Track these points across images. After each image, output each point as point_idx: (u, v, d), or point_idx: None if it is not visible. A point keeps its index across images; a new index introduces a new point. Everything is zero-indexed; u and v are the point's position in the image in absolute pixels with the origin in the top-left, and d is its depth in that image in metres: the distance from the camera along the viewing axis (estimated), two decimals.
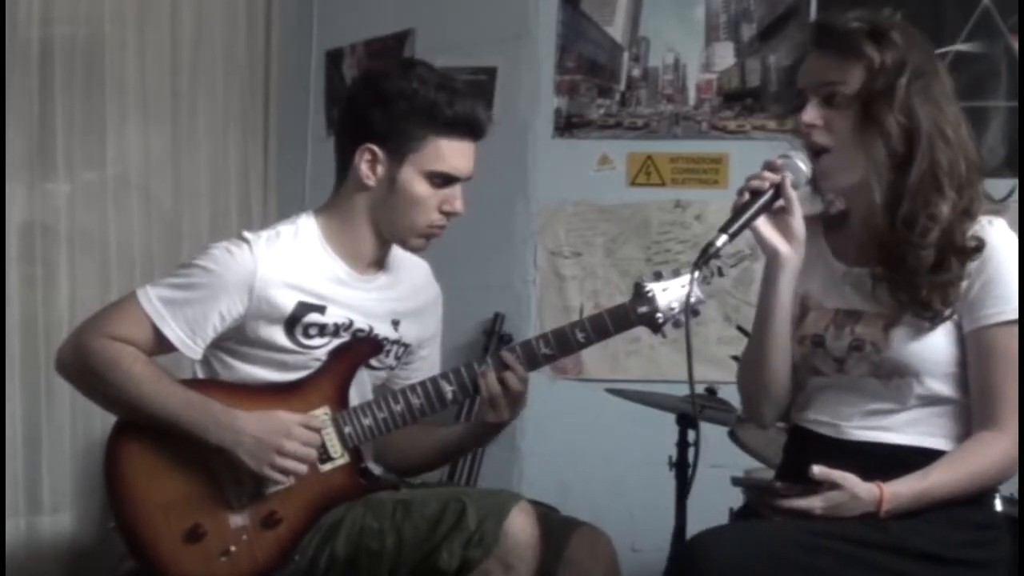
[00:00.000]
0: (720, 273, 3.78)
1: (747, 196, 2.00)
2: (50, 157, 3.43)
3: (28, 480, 3.35)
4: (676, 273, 2.39)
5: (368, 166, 2.36)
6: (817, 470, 1.90)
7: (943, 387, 2.00)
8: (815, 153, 2.03)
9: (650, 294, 2.37)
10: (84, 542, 3.42)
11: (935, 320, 1.96)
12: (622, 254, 3.89)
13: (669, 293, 2.37)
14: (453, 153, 2.35)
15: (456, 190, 2.38)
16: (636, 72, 3.93)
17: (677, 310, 2.37)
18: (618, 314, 2.36)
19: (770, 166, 2.02)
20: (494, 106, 3.90)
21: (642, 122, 3.92)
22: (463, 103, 2.35)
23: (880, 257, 2.00)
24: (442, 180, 2.35)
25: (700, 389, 3.16)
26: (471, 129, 2.37)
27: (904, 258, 1.96)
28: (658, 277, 2.39)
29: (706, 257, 1.95)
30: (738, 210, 2.00)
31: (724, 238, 1.95)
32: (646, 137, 3.92)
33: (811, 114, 2.02)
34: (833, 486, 1.89)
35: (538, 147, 3.93)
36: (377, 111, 2.35)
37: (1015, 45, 3.61)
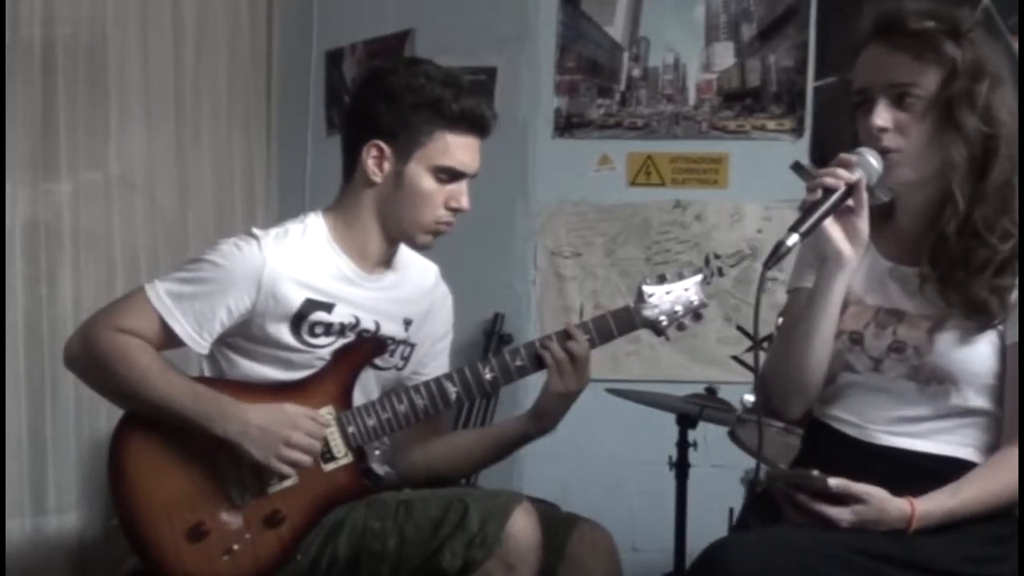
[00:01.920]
0: (720, 273, 3.81)
1: (819, 193, 1.90)
2: (53, 157, 3.43)
3: (33, 481, 3.35)
4: (680, 276, 2.39)
5: (375, 162, 2.36)
6: (835, 483, 1.83)
7: (979, 399, 1.94)
8: (882, 152, 1.94)
9: (653, 297, 2.37)
10: (91, 542, 3.42)
11: (985, 325, 1.91)
12: (622, 254, 3.90)
13: (673, 296, 2.37)
14: (459, 148, 2.35)
15: (462, 186, 2.38)
16: (636, 72, 3.93)
17: (680, 313, 2.37)
18: (622, 317, 2.36)
19: (844, 162, 1.91)
20: (494, 106, 3.90)
21: (642, 122, 3.92)
22: (468, 99, 2.35)
23: (933, 256, 1.94)
24: (449, 176, 2.36)
25: (700, 389, 3.17)
26: (477, 125, 2.36)
27: (970, 259, 1.89)
28: (662, 280, 2.39)
29: (777, 257, 1.85)
30: (809, 208, 1.89)
31: (795, 237, 1.86)
32: (646, 137, 3.92)
33: (883, 117, 1.92)
34: (858, 500, 1.84)
35: (538, 147, 3.94)
36: (383, 107, 2.35)
37: (1015, 45, 3.61)
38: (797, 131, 3.81)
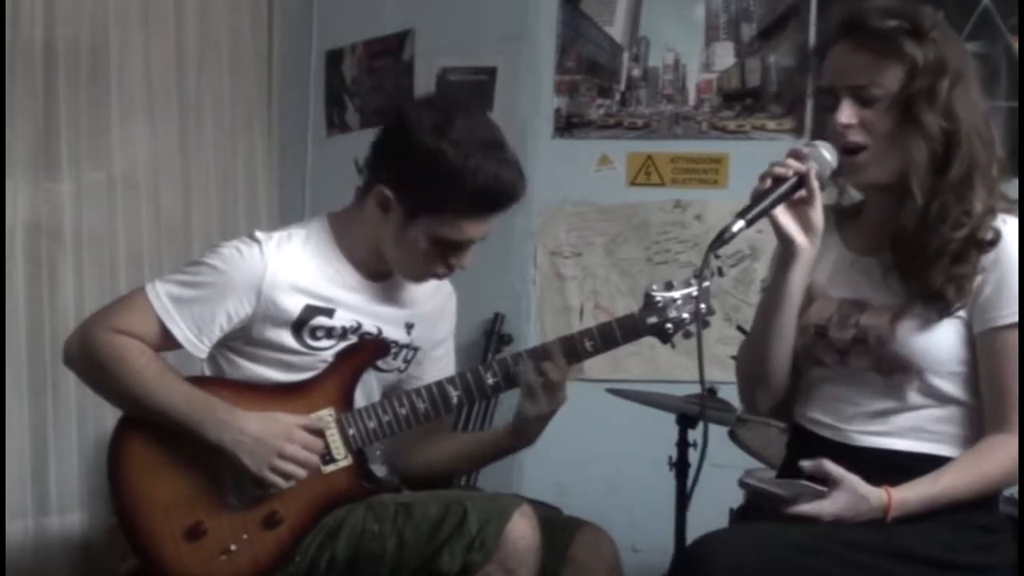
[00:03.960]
0: (720, 273, 3.81)
1: (769, 182, 1.94)
2: (54, 157, 3.44)
3: (35, 482, 3.36)
4: (687, 283, 2.36)
5: (380, 206, 2.31)
6: (809, 465, 1.87)
7: (947, 386, 1.97)
8: (848, 151, 1.97)
9: (660, 304, 2.35)
10: (94, 542, 3.42)
11: (944, 312, 1.93)
12: (622, 254, 3.90)
13: (679, 303, 2.35)
14: (468, 227, 2.28)
15: (467, 250, 2.33)
16: (636, 72, 3.93)
17: (687, 320, 2.35)
18: (627, 324, 2.34)
19: (796, 154, 1.96)
20: (494, 106, 3.91)
21: (642, 122, 3.92)
22: (488, 174, 2.23)
23: (896, 245, 1.97)
24: (452, 247, 2.31)
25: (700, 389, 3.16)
26: (493, 205, 2.27)
27: (926, 248, 1.93)
28: (669, 287, 2.36)
29: (721, 242, 1.89)
30: (758, 196, 1.93)
31: (741, 223, 1.88)
32: (646, 137, 3.92)
33: (847, 114, 1.95)
34: (833, 483, 1.86)
35: (538, 147, 3.93)
36: (400, 163, 2.28)
37: (1015, 45, 3.61)
38: (797, 131, 3.81)
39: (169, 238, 3.72)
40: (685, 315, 2.35)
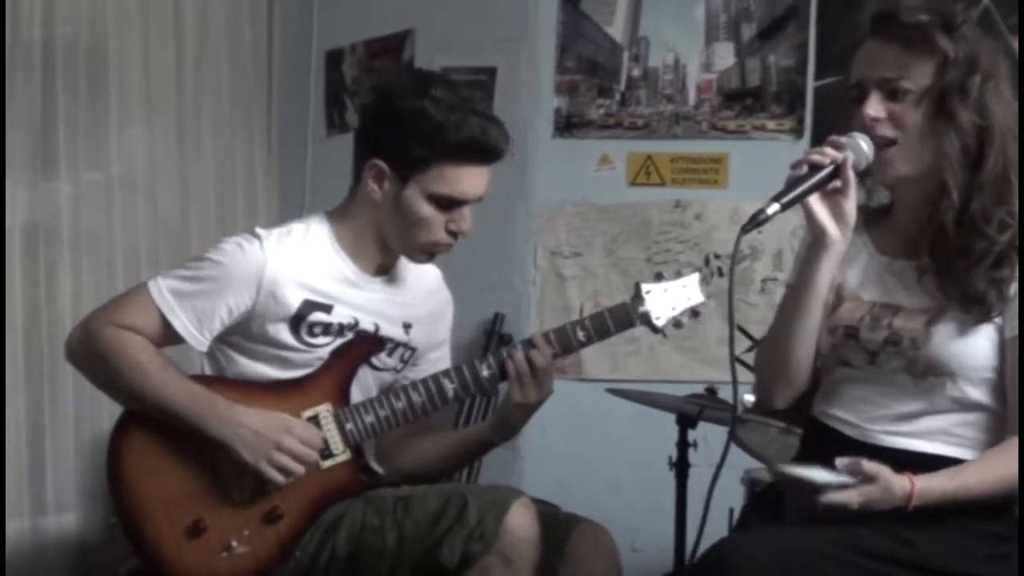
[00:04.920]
0: (720, 273, 3.81)
1: (805, 169, 1.92)
2: (52, 157, 3.43)
3: (32, 481, 3.35)
4: (677, 274, 2.40)
5: (375, 181, 2.36)
6: (843, 464, 1.84)
7: (976, 392, 1.95)
8: (877, 145, 1.95)
9: (651, 295, 2.37)
10: (90, 542, 3.42)
11: (983, 317, 1.91)
12: (622, 254, 3.90)
13: (670, 294, 2.38)
14: (459, 178, 2.32)
15: (464, 211, 2.36)
16: (636, 72, 3.93)
17: (678, 311, 2.38)
18: (618, 314, 2.37)
19: (833, 143, 1.93)
20: (494, 106, 3.91)
21: (642, 122, 3.92)
22: (473, 126, 2.30)
23: (933, 249, 1.95)
24: (447, 203, 2.34)
25: (700, 389, 3.17)
26: (480, 154, 2.32)
27: (968, 251, 1.91)
28: (659, 278, 2.40)
29: (755, 223, 1.87)
30: (793, 182, 1.91)
31: (776, 207, 1.87)
32: (646, 137, 3.92)
33: (875, 108, 1.94)
34: (868, 479, 1.83)
35: (538, 147, 3.93)
36: (386, 129, 2.34)
37: (1015, 45, 3.61)
38: (797, 131, 3.81)
39: (167, 239, 3.72)
40: (676, 306, 2.38)
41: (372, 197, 2.36)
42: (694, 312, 2.40)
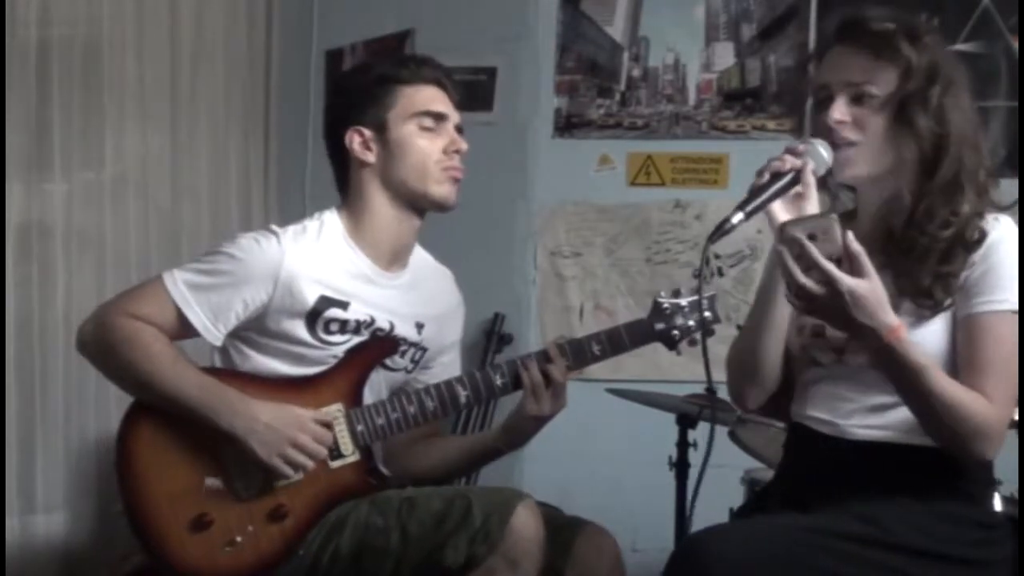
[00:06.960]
0: (720, 273, 3.81)
1: (766, 177, 1.98)
2: (48, 157, 3.43)
3: (22, 479, 3.35)
4: (694, 291, 2.42)
5: (361, 146, 2.41)
6: (853, 244, 1.81)
7: None
8: (839, 147, 2.01)
9: (668, 310, 2.41)
10: (78, 541, 3.42)
11: (935, 309, 1.96)
12: (622, 254, 3.90)
13: (687, 310, 2.41)
14: (425, 97, 2.42)
15: (449, 128, 2.43)
16: (636, 72, 3.93)
17: (693, 328, 2.41)
18: (636, 330, 2.40)
19: (792, 150, 2.00)
20: (494, 106, 3.91)
21: (642, 122, 3.92)
22: (413, 60, 2.48)
23: (886, 245, 2.00)
24: (431, 120, 2.41)
25: (700, 389, 3.16)
26: (429, 76, 2.44)
27: (913, 247, 1.97)
28: (676, 294, 2.42)
29: (720, 233, 1.92)
30: (755, 190, 1.97)
31: (740, 215, 1.92)
32: (646, 137, 3.92)
33: (841, 111, 1.99)
34: (861, 271, 1.81)
35: (538, 147, 3.94)
36: (346, 99, 2.45)
37: (1015, 45, 3.61)
38: (797, 131, 3.80)
39: (161, 239, 3.71)
40: (691, 323, 2.41)
41: (366, 162, 2.41)
42: (709, 330, 2.37)
